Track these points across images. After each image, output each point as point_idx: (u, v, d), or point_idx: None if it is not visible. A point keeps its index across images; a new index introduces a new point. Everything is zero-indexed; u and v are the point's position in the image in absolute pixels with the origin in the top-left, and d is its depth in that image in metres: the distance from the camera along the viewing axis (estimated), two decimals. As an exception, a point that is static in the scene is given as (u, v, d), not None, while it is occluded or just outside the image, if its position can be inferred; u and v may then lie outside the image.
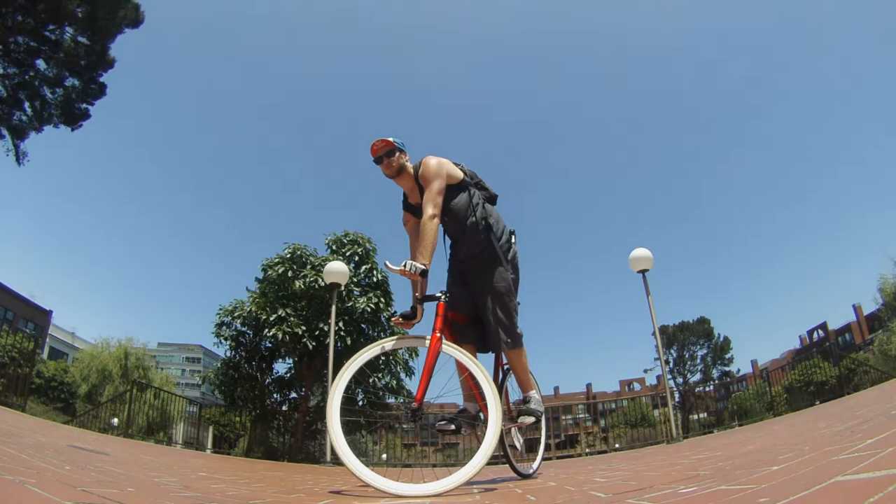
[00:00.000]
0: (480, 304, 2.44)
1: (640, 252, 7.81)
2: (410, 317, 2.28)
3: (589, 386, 53.67)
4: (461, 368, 2.14)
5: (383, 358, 9.98)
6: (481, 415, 2.33)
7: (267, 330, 9.54)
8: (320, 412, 10.21)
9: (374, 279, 10.57)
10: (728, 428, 14.34)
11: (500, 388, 2.62)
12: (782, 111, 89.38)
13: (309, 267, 10.18)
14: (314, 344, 9.63)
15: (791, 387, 15.12)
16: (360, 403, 9.83)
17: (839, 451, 1.29)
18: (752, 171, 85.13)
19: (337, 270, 8.13)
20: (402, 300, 11.93)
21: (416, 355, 9.87)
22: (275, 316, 9.59)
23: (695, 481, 1.43)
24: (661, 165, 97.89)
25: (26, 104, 13.34)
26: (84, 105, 13.81)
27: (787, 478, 1.10)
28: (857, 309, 36.98)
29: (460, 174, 2.49)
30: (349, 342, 9.45)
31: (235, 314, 10.25)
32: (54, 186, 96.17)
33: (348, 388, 2.04)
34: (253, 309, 9.96)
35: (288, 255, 10.41)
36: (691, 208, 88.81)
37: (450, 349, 2.10)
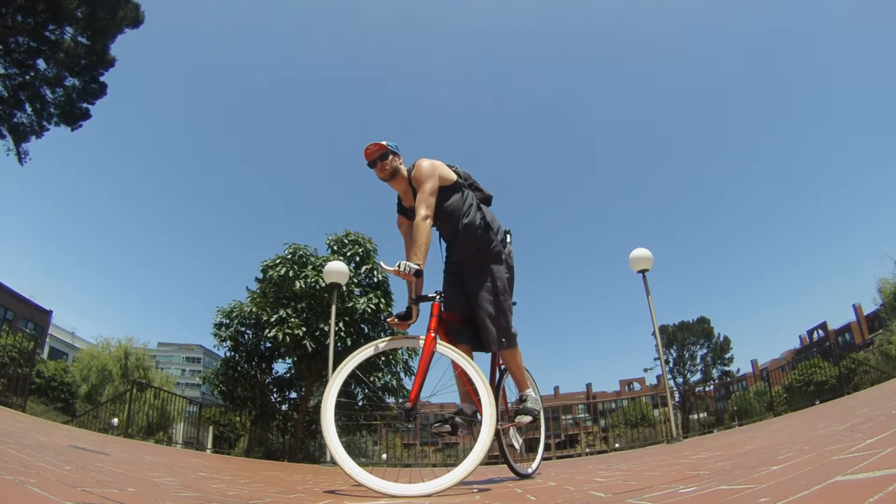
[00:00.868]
0: (475, 303, 2.44)
1: (640, 252, 7.81)
2: (406, 317, 2.28)
3: (589, 386, 53.76)
4: (456, 368, 2.14)
5: (383, 358, 9.98)
6: (478, 415, 2.33)
7: (267, 330, 9.54)
8: (320, 412, 10.20)
9: (375, 279, 10.56)
10: (728, 428, 14.33)
11: (498, 388, 2.62)
12: (782, 112, 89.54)
13: (310, 267, 10.16)
14: (314, 346, 9.62)
15: (791, 387, 15.12)
16: (360, 403, 9.85)
17: (839, 451, 1.29)
18: (752, 172, 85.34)
19: (337, 270, 8.11)
20: (402, 301, 11.70)
21: (416, 355, 9.83)
22: (276, 316, 9.59)
23: (695, 481, 1.43)
24: (662, 165, 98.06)
25: (27, 104, 13.33)
26: (84, 105, 13.82)
27: (786, 477, 1.10)
28: (856, 309, 37.02)
29: (453, 176, 2.49)
30: (349, 343, 9.44)
31: (233, 315, 10.24)
32: (55, 187, 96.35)
33: (346, 387, 2.04)
34: (253, 309, 9.96)
35: (289, 256, 10.39)
36: (691, 208, 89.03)
37: (444, 349, 2.10)
